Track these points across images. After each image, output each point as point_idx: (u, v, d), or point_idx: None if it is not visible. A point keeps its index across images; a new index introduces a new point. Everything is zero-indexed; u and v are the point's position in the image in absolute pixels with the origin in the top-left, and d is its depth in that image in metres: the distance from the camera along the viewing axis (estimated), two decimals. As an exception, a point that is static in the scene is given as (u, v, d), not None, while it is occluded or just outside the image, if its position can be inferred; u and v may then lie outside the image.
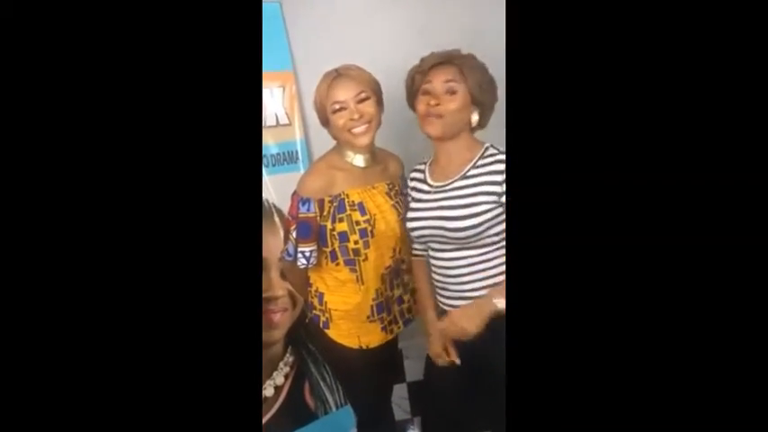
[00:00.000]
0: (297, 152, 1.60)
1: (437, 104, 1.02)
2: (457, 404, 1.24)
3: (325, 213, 1.10)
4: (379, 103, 1.12)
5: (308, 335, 1.63)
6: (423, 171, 1.16)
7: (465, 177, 1.05)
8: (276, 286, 1.53)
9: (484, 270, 1.05)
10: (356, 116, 1.06)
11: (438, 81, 1.03)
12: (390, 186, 1.17)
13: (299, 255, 1.11)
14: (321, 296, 1.20)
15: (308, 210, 1.09)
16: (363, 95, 1.07)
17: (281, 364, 1.60)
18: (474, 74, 1.03)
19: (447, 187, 1.07)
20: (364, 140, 1.08)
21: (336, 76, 1.09)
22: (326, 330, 1.20)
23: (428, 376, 1.23)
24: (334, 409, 1.71)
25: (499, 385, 1.06)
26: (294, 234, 1.11)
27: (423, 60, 1.07)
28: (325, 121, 1.13)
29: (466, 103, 1.04)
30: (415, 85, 1.08)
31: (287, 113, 1.58)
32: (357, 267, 1.12)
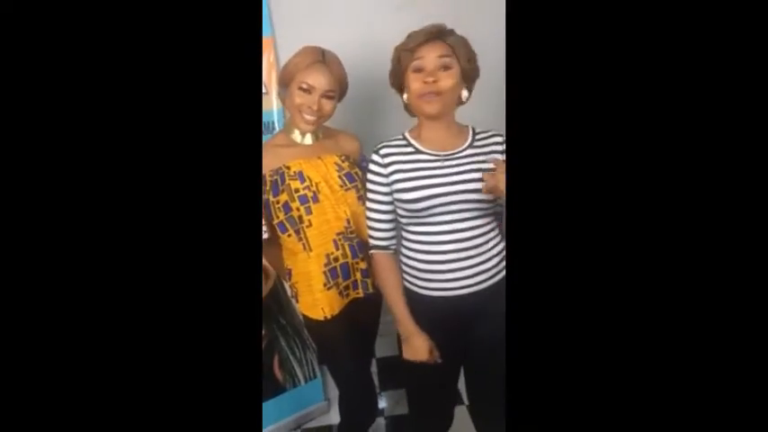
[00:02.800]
0: (273, 123, 1.55)
1: (435, 81, 0.99)
2: (437, 379, 1.24)
3: (267, 188, 1.14)
4: (339, 100, 1.19)
5: (279, 308, 1.63)
6: (407, 144, 1.07)
7: (473, 146, 1.06)
8: (248, 259, 1.51)
9: (497, 237, 1.07)
10: (315, 107, 1.13)
11: (431, 57, 0.99)
12: (343, 159, 1.20)
13: None
14: (290, 272, 1.24)
15: None
16: (330, 94, 1.14)
17: (251, 337, 1.59)
18: (462, 48, 1.01)
19: (459, 154, 1.05)
20: (307, 127, 1.16)
21: (321, 60, 1.13)
22: (297, 305, 1.24)
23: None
24: (302, 382, 1.72)
25: (477, 363, 1.10)
26: None
27: (409, 38, 1.02)
28: (285, 85, 1.16)
29: (458, 79, 1.01)
30: (402, 65, 1.03)
31: (264, 82, 1.52)
32: (302, 235, 1.14)
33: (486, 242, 1.04)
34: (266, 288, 1.58)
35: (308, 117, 1.14)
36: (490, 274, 1.05)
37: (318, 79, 1.11)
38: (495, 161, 1.00)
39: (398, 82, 1.06)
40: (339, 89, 1.16)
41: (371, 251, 1.12)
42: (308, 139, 1.19)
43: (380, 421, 1.77)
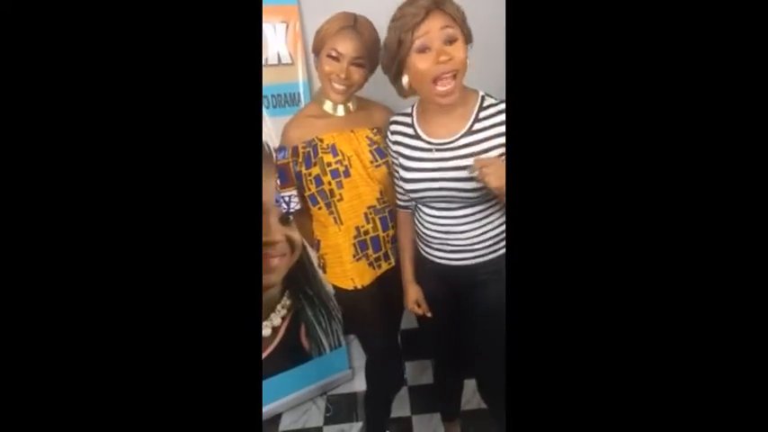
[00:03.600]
0: (299, 94, 1.54)
1: (448, 60, 0.90)
2: (451, 350, 1.30)
3: (300, 160, 1.14)
4: (371, 70, 1.14)
5: (306, 280, 1.66)
6: (411, 125, 1.07)
7: (471, 133, 1.00)
8: (275, 231, 1.53)
9: (491, 222, 1.06)
10: (343, 75, 1.09)
11: (435, 31, 0.90)
12: (375, 132, 1.19)
13: (280, 200, 1.19)
14: (318, 243, 1.26)
15: (283, 156, 1.17)
16: (359, 61, 1.09)
17: (279, 307, 1.63)
18: (458, 13, 0.93)
19: (452, 144, 1.00)
20: (338, 97, 1.13)
21: (352, 26, 1.08)
22: (325, 274, 1.26)
23: (421, 324, 1.28)
24: (328, 350, 1.77)
25: (487, 333, 1.13)
26: (277, 181, 1.19)
27: (405, 17, 0.91)
28: (317, 52, 1.14)
29: (465, 47, 0.93)
30: (404, 48, 0.92)
31: (290, 52, 1.50)
32: (333, 208, 1.15)
33: (474, 228, 1.05)
34: (293, 259, 1.61)
35: (337, 86, 1.10)
36: (478, 253, 1.08)
37: (346, 45, 1.07)
38: (483, 161, 0.93)
39: (397, 66, 0.97)
40: (370, 57, 1.10)
41: (396, 207, 1.21)
42: (341, 111, 1.17)
43: (404, 390, 1.81)
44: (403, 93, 1.02)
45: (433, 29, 0.90)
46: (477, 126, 0.99)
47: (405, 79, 0.98)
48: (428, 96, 0.97)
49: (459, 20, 0.93)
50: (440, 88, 0.93)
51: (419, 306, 1.21)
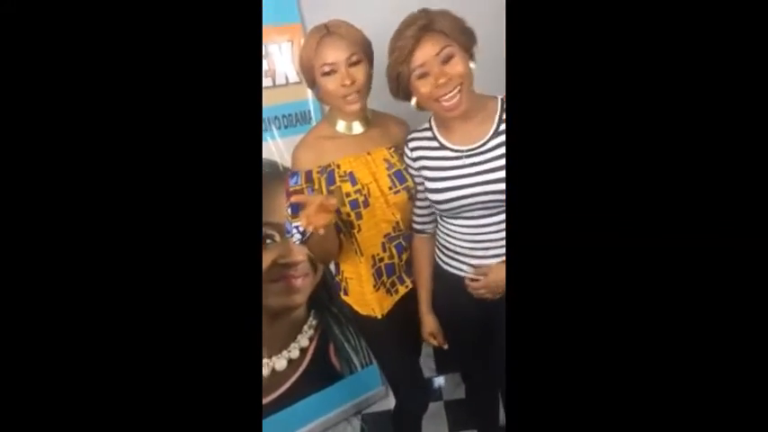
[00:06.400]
0: (309, 112, 1.52)
1: (447, 81, 0.90)
2: (480, 365, 1.26)
3: (316, 187, 1.05)
4: (370, 65, 1.05)
5: (330, 299, 1.63)
6: (433, 138, 1.04)
7: (498, 134, 0.97)
8: (296, 252, 1.51)
9: None
10: (347, 81, 0.99)
11: (430, 58, 0.90)
12: (392, 152, 1.10)
13: (294, 230, 1.06)
14: (337, 265, 1.20)
15: (296, 183, 1.06)
16: (355, 58, 1.00)
17: (306, 327, 1.61)
18: (451, 25, 0.91)
19: (482, 149, 0.98)
20: (355, 108, 1.03)
21: (326, 33, 1.00)
22: (345, 297, 1.21)
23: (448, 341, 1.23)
24: (359, 368, 1.73)
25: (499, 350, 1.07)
26: (289, 210, 1.07)
27: (398, 48, 0.91)
28: (312, 83, 1.06)
29: (465, 58, 0.93)
30: (403, 80, 0.94)
31: (297, 71, 1.49)
32: (353, 239, 1.09)
33: None
34: (316, 279, 1.58)
35: (350, 98, 1.01)
36: None
37: (333, 52, 0.99)
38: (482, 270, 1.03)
39: (403, 93, 0.98)
40: (362, 50, 1.02)
41: (413, 233, 1.16)
42: (357, 128, 1.09)
43: (440, 405, 1.76)
44: (417, 109, 1.02)
45: (427, 56, 0.90)
46: (503, 127, 0.97)
47: (413, 101, 0.99)
48: (438, 112, 0.98)
49: (455, 33, 0.91)
50: (445, 104, 0.93)
51: (434, 338, 1.17)
